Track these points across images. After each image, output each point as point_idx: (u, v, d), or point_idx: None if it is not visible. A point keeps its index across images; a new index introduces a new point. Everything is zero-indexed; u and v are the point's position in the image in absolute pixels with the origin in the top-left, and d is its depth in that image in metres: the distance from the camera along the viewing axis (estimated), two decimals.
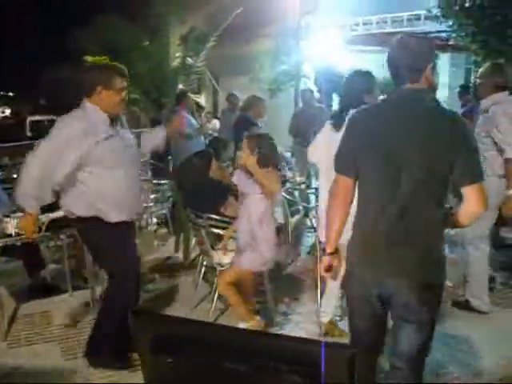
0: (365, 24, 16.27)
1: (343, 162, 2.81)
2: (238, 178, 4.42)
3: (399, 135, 2.59)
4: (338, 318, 4.54)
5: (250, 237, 4.26)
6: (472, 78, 12.21)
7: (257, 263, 4.30)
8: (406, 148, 2.57)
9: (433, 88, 2.74)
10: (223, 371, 1.58)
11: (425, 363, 2.91)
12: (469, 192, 2.60)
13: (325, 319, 4.53)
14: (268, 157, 4.21)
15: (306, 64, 14.79)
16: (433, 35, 15.75)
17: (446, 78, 17.84)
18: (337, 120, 4.05)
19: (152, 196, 7.59)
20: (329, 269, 2.89)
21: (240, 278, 4.40)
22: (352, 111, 3.77)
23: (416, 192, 2.58)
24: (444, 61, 17.46)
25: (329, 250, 2.88)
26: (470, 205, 2.62)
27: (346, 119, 3.77)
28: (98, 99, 3.78)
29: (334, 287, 4.31)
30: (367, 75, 4.14)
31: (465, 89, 10.37)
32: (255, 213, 4.23)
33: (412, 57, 2.65)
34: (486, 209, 2.63)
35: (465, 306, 4.96)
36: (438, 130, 2.57)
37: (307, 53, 14.67)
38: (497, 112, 4.66)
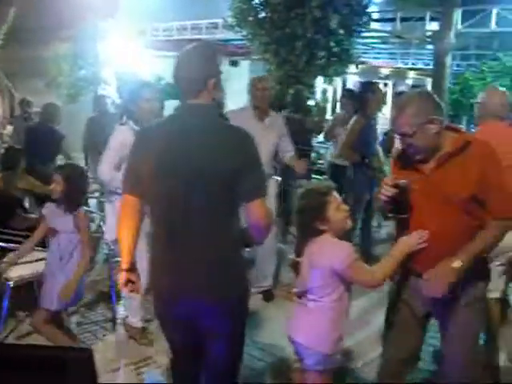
0: (165, 30, 16.46)
1: (130, 181, 2.73)
2: (48, 212, 4.11)
3: (181, 152, 2.52)
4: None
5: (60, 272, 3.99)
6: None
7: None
8: (188, 165, 2.50)
9: (217, 102, 2.81)
10: None
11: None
12: (252, 208, 2.55)
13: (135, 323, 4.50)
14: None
15: (105, 69, 14.59)
16: (231, 43, 16.49)
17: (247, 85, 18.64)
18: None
19: None
20: (127, 283, 2.83)
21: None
22: (129, 121, 3.83)
23: (202, 208, 2.53)
24: (244, 68, 18.26)
25: (124, 267, 2.81)
26: (253, 222, 2.59)
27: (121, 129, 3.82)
28: None
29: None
30: (141, 84, 4.22)
31: None
32: (67, 250, 4.00)
33: (192, 72, 2.60)
34: (269, 226, 2.65)
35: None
36: (220, 146, 2.53)
37: (107, 58, 14.49)
38: None
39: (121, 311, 4.86)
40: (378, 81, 25.09)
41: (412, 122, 2.73)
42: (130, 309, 4.53)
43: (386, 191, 2.81)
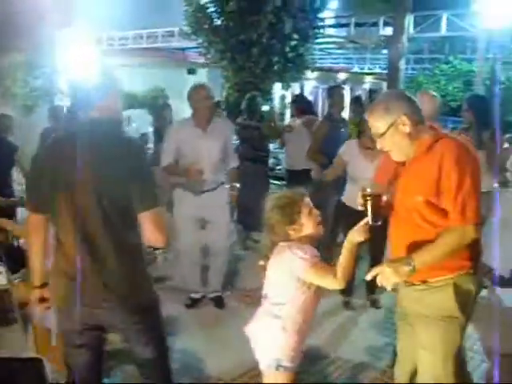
0: (121, 39, 16.39)
1: (32, 199, 2.72)
2: None
3: (80, 165, 2.54)
4: None
5: None
6: (224, 92, 12.90)
7: None
8: (87, 177, 2.53)
9: (117, 114, 2.75)
10: None
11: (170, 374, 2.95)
12: (144, 219, 2.59)
13: None
14: None
15: (62, 79, 14.44)
16: (189, 51, 16.51)
17: None
18: None
19: None
20: (40, 301, 2.79)
21: None
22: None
23: (100, 220, 2.56)
24: (202, 76, 18.26)
25: (37, 284, 2.78)
26: (147, 232, 2.61)
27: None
28: None
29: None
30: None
31: (217, 104, 10.90)
32: None
33: (89, 87, 2.66)
34: (164, 235, 2.65)
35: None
36: (114, 157, 2.57)
37: (63, 67, 14.34)
38: None
39: None
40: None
41: (382, 120, 2.68)
42: None
43: (359, 200, 2.76)
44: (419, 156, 2.71)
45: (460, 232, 2.62)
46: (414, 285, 2.81)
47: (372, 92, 27.56)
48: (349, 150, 5.08)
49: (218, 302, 5.27)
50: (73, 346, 2.74)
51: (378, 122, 2.71)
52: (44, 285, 2.78)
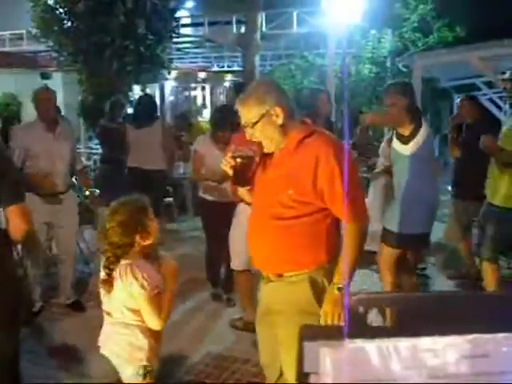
0: None
1: None
2: None
3: None
4: None
5: None
6: (80, 96, 12.46)
7: None
8: None
9: None
10: None
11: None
12: (11, 212, 2.73)
13: None
14: None
15: None
16: (41, 55, 15.80)
17: (61, 98, 17.95)
18: None
19: None
20: None
21: None
22: None
23: None
24: (57, 80, 17.56)
25: None
26: (13, 225, 2.75)
27: None
28: None
29: None
30: None
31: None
32: None
33: None
34: (29, 226, 2.83)
35: None
36: None
37: None
38: None
39: None
40: (195, 85, 25.59)
41: (255, 110, 2.63)
42: None
43: (226, 162, 2.73)
44: (289, 150, 2.68)
45: (357, 229, 2.64)
46: (272, 281, 2.81)
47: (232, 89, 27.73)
48: (202, 143, 5.17)
49: (77, 306, 5.22)
50: None
51: (250, 113, 2.66)
52: None
